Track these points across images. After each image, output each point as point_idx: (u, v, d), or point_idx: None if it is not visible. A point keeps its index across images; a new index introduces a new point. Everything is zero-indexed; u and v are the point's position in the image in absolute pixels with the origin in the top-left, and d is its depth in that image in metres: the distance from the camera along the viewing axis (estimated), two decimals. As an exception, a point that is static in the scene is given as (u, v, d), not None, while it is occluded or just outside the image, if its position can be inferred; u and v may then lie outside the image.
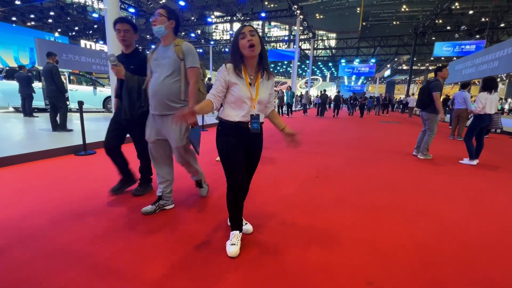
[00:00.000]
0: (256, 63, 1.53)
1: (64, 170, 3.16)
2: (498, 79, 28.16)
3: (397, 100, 27.63)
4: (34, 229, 1.79)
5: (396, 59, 31.74)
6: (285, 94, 13.61)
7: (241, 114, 1.51)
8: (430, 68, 32.54)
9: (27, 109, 7.45)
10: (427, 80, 4.76)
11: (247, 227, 1.86)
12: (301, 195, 2.63)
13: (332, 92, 38.10)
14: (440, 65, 4.47)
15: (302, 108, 15.60)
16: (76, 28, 22.03)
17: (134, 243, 1.68)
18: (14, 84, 7.70)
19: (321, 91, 15.38)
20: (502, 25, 18.06)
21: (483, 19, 22.21)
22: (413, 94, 20.14)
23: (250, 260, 1.56)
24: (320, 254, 1.64)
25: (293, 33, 27.31)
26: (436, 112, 4.25)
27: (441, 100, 4.25)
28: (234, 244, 1.59)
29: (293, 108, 14.58)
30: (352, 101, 16.58)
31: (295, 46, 18.81)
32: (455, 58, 16.72)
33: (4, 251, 1.55)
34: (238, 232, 1.66)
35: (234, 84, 1.47)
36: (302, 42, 24.73)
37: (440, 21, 21.68)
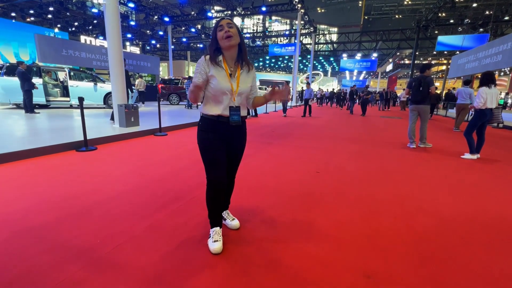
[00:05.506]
0: (235, 55, 1.54)
1: (66, 166, 3.18)
2: (502, 73, 27.89)
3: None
4: (37, 224, 1.81)
5: (398, 54, 31.44)
6: None
7: (221, 107, 1.50)
8: (433, 62, 32.25)
9: (27, 106, 7.44)
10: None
11: (234, 222, 1.85)
12: (301, 189, 2.64)
13: (331, 87, 38.01)
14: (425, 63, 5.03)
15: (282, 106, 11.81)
16: (76, 23, 21.89)
17: (136, 238, 1.70)
18: (15, 81, 7.70)
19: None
20: (506, 18, 17.79)
21: (487, 12, 21.88)
22: (404, 89, 20.03)
23: (247, 255, 1.57)
24: (319, 248, 1.66)
25: (294, 28, 27.04)
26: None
27: (444, 94, 4.59)
28: (217, 241, 1.58)
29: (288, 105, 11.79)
30: (353, 96, 13.71)
31: (296, 41, 18.65)
32: (458, 52, 16.53)
33: (7, 245, 1.58)
34: (218, 228, 1.65)
35: (213, 76, 1.46)
36: (303, 36, 24.49)
37: (443, 14, 21.38)
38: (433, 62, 32.30)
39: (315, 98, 23.09)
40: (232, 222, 1.85)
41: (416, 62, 20.66)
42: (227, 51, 1.49)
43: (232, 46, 1.47)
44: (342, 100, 20.32)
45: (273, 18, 44.60)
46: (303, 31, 22.49)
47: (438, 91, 24.33)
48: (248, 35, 29.45)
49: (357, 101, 14.13)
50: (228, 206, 1.91)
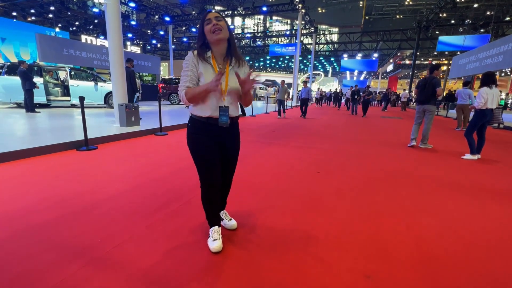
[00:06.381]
0: (224, 51, 1.46)
1: (66, 165, 3.19)
2: (503, 74, 27.83)
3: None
4: (37, 223, 1.81)
5: (399, 54, 31.42)
6: None
7: (212, 107, 1.42)
8: (434, 63, 32.19)
9: (28, 105, 7.45)
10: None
11: (232, 222, 1.84)
12: (301, 189, 2.64)
13: (332, 87, 38.07)
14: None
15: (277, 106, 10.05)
16: (77, 23, 21.93)
17: (136, 237, 1.70)
18: (16, 80, 7.72)
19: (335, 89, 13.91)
20: (508, 18, 17.76)
21: (488, 13, 21.84)
22: (404, 90, 20.05)
23: (247, 254, 1.57)
24: (319, 247, 1.66)
25: (294, 28, 27.05)
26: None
27: (445, 95, 4.59)
28: (217, 239, 1.58)
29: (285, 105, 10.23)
30: (355, 96, 13.06)
31: (296, 41, 18.66)
32: (459, 53, 16.51)
33: (7, 244, 1.58)
34: (217, 227, 1.64)
35: (201, 73, 1.40)
36: (304, 36, 24.49)
37: (444, 14, 21.35)
38: (433, 62, 32.26)
39: (314, 99, 22.90)
40: (230, 222, 1.84)
41: (417, 62, 20.65)
42: (215, 46, 1.42)
43: (221, 40, 1.40)
44: (339, 100, 20.27)
45: (274, 18, 44.61)
46: (304, 31, 22.49)
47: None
48: (248, 35, 29.46)
49: (359, 101, 14.01)
50: (225, 207, 1.89)
